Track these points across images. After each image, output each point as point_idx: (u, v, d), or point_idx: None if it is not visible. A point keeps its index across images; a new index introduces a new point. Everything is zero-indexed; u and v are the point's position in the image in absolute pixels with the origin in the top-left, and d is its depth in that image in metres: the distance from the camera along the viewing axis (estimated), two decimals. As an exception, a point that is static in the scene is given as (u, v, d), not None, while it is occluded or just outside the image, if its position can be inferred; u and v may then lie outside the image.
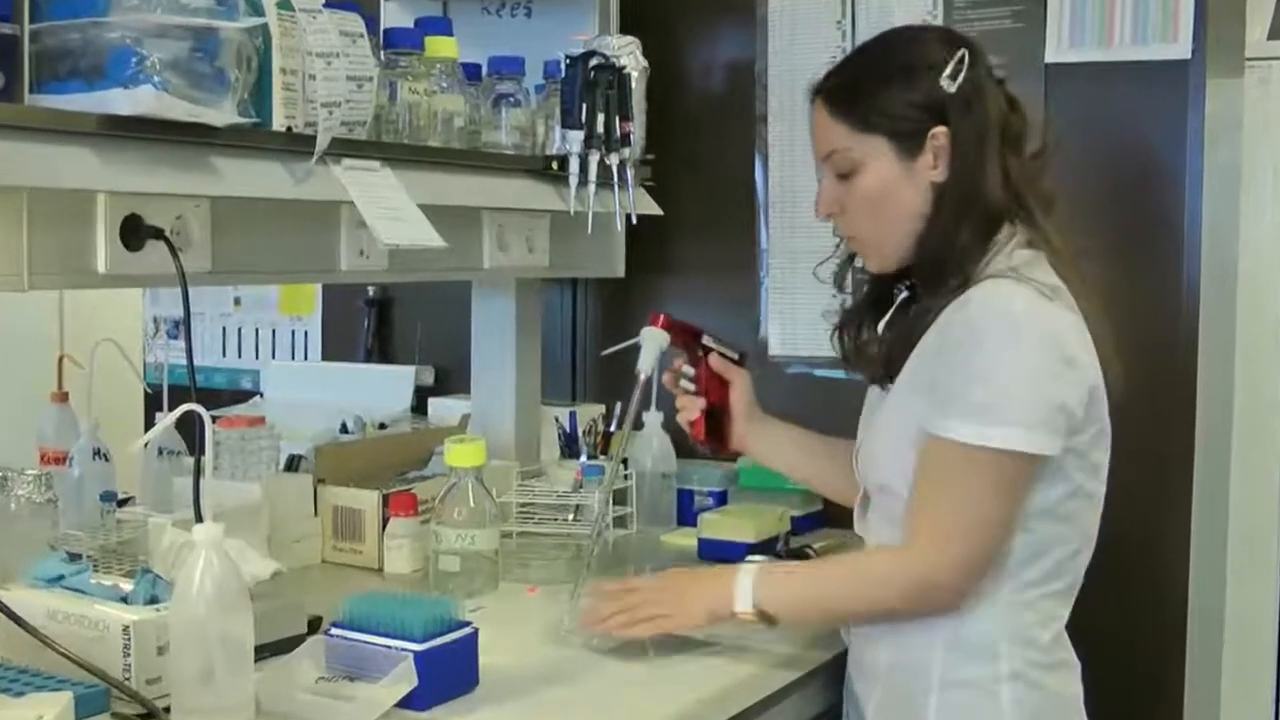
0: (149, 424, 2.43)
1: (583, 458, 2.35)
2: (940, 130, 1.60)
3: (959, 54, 1.60)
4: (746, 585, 1.60)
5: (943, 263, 1.58)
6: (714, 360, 1.90)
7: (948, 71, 1.60)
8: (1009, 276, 1.54)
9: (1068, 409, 1.52)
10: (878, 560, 1.63)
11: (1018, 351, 1.50)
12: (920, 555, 1.55)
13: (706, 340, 1.92)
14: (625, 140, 2.14)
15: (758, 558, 1.99)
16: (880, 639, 1.64)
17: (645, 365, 1.86)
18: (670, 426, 2.33)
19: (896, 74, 1.62)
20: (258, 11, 1.59)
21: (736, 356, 1.93)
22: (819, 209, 1.69)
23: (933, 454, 1.53)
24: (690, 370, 1.92)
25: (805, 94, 1.70)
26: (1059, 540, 1.58)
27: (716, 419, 1.91)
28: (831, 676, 1.75)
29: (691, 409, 1.90)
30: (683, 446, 2.37)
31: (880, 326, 1.70)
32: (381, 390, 2.85)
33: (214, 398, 3.02)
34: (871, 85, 1.63)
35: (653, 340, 1.87)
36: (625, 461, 2.28)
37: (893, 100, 1.61)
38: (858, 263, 1.77)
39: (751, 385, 1.92)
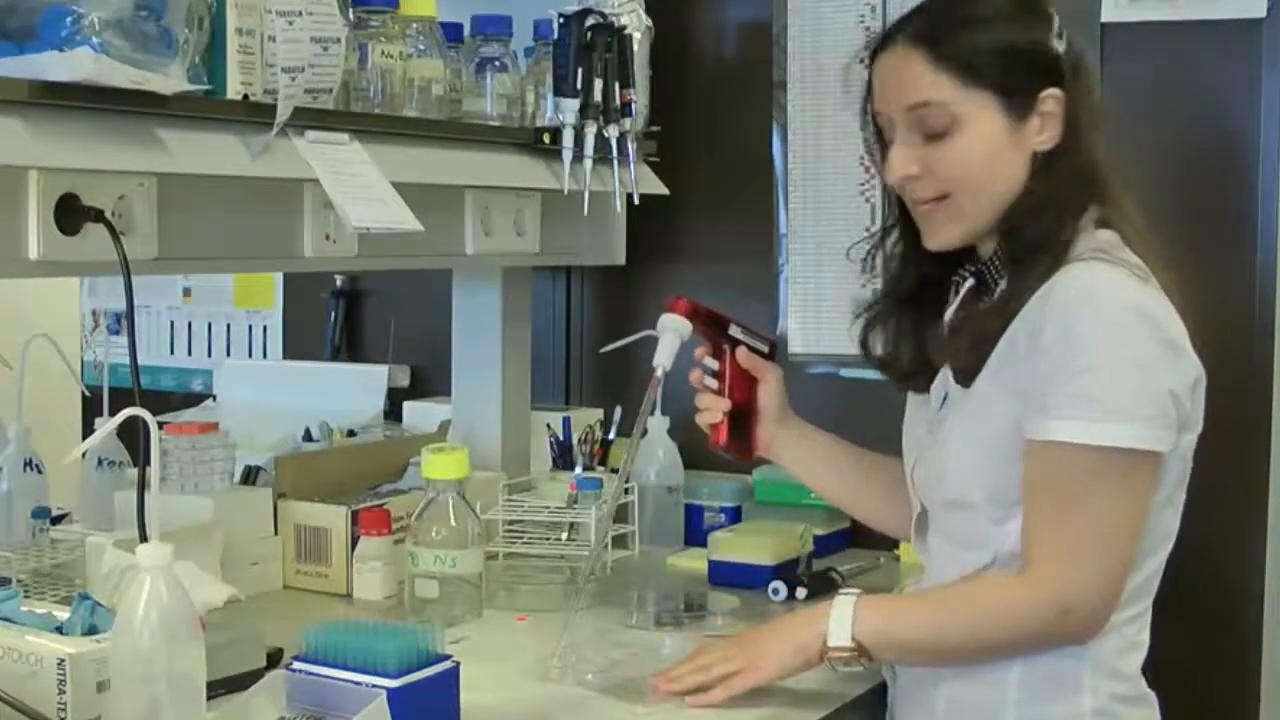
0: (87, 431, 2.43)
1: (578, 469, 2.35)
2: (1052, 93, 1.60)
3: (1050, 12, 1.62)
4: (845, 615, 1.57)
5: (1038, 241, 1.57)
6: (743, 355, 1.86)
7: (1054, 30, 1.61)
8: (1099, 258, 1.54)
9: (1178, 398, 1.52)
10: (996, 587, 1.57)
11: (1119, 338, 1.50)
12: (1047, 578, 1.51)
13: (734, 331, 1.87)
14: (626, 110, 2.14)
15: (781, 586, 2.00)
16: (940, 671, 1.62)
17: (663, 360, 1.81)
18: (676, 434, 2.33)
19: (1004, 24, 1.62)
20: (210, -36, 1.59)
21: (766, 349, 1.90)
22: (892, 172, 1.65)
23: (1039, 462, 1.52)
24: (713, 364, 1.87)
25: (870, 41, 1.69)
26: (1143, 553, 1.57)
27: (742, 421, 1.87)
28: (865, 716, 1.73)
29: (715, 410, 1.85)
30: (690, 456, 2.37)
31: (947, 315, 1.68)
32: (350, 393, 2.85)
33: (161, 401, 3.02)
34: (981, 32, 1.61)
35: (673, 331, 1.82)
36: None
37: (1003, 53, 1.60)
38: (889, 246, 1.76)
39: (783, 382, 1.89)
